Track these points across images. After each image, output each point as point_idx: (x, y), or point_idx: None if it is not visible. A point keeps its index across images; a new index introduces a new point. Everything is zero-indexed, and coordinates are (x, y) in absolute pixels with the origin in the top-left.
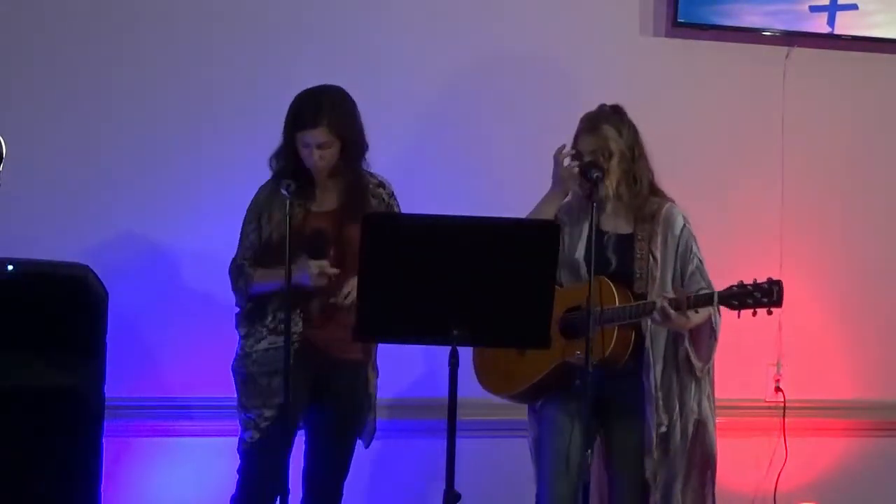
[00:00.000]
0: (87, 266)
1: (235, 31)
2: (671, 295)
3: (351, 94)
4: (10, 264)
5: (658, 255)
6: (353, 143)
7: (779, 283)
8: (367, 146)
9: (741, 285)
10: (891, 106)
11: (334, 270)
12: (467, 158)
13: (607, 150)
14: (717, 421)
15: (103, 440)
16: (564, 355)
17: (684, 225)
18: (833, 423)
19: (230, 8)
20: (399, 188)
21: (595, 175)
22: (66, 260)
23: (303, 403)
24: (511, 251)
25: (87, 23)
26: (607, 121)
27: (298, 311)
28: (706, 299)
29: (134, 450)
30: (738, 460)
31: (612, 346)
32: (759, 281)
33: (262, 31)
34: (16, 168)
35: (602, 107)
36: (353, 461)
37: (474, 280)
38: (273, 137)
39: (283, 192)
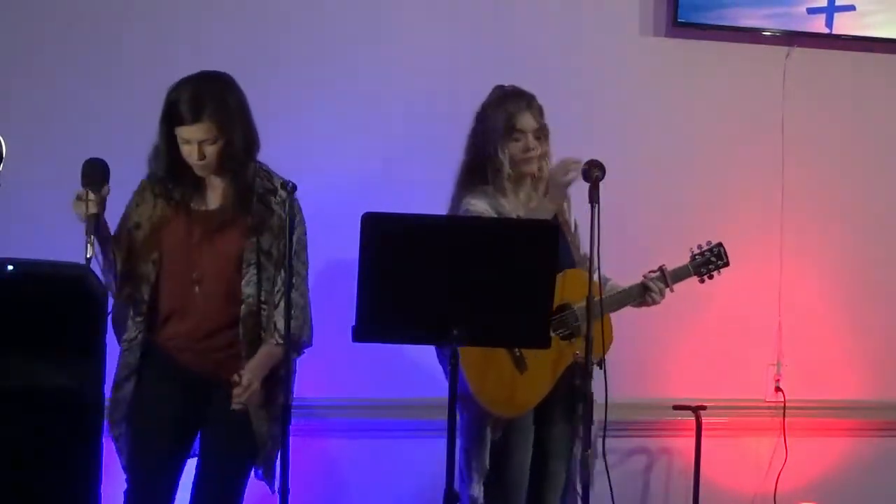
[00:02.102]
0: (87, 266)
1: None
2: (655, 274)
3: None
4: (10, 264)
5: (579, 235)
6: (239, 139)
7: (721, 245)
8: (258, 143)
9: (700, 254)
10: (890, 105)
11: (83, 192)
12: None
13: (546, 127)
14: (717, 421)
15: (103, 440)
16: (573, 358)
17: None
18: (833, 424)
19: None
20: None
21: (595, 175)
22: (66, 260)
23: (172, 427)
24: (511, 251)
25: (87, 22)
26: (529, 95)
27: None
28: (684, 272)
29: None
30: (738, 460)
31: (612, 335)
32: (703, 248)
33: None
34: (16, 168)
35: (505, 86)
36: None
37: (474, 280)
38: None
39: (290, 186)
